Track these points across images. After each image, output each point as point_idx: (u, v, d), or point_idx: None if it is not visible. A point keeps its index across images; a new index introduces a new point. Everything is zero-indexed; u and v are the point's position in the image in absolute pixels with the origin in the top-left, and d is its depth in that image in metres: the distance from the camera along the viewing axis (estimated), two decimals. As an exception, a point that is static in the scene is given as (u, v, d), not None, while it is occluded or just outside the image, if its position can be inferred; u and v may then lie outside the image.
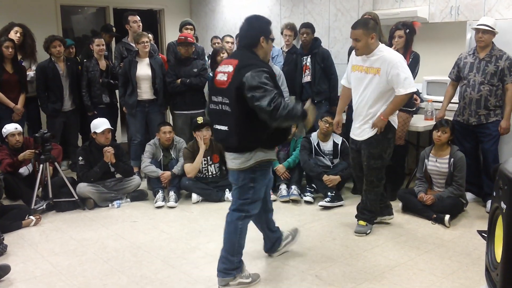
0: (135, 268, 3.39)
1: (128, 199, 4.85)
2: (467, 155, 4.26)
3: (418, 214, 4.24)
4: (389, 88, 3.57)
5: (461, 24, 4.91)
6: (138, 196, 4.95)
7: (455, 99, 4.56)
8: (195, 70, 5.45)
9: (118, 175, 4.99)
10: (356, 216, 4.01)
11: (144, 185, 5.23)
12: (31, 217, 4.28)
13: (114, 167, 4.84)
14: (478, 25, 4.23)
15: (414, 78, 4.20)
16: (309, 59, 5.36)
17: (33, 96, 5.67)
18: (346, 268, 3.31)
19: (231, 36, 6.25)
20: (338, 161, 4.87)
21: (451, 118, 4.47)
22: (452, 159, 4.16)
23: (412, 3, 5.32)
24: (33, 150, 4.71)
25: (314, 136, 4.92)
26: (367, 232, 3.89)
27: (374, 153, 3.71)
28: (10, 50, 5.22)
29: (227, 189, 4.85)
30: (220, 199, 4.84)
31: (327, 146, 4.89)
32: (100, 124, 4.77)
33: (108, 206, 4.72)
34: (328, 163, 4.86)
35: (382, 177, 3.82)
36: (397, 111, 3.77)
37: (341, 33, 5.96)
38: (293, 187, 4.79)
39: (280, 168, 4.90)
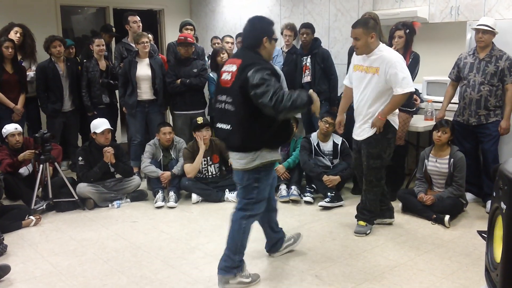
0: (135, 269, 3.39)
1: (128, 199, 4.85)
2: (467, 155, 4.26)
3: (418, 214, 4.24)
4: (388, 87, 3.57)
5: (461, 24, 4.91)
6: (138, 196, 4.95)
7: (455, 99, 4.56)
8: (195, 70, 5.45)
9: (118, 175, 4.99)
10: (356, 217, 4.02)
11: (144, 185, 5.23)
12: (31, 217, 4.28)
13: (114, 167, 4.84)
14: (478, 25, 4.22)
15: (414, 79, 4.20)
16: (309, 59, 5.35)
17: (33, 96, 5.67)
18: (346, 268, 3.31)
19: (231, 37, 6.25)
20: (338, 161, 4.87)
21: (451, 118, 4.47)
22: (452, 160, 4.16)
23: (412, 3, 5.32)
24: (33, 150, 4.70)
25: (314, 137, 4.93)
26: (367, 233, 3.89)
27: (373, 153, 3.72)
28: (10, 50, 5.21)
29: (227, 190, 4.86)
30: (220, 199, 4.84)
31: (327, 147, 4.89)
32: (100, 124, 4.77)
33: (108, 206, 4.72)
34: (328, 163, 4.86)
35: (382, 177, 3.82)
36: (398, 111, 3.78)
37: (341, 33, 5.95)
38: (293, 187, 4.79)
39: (280, 168, 4.90)
